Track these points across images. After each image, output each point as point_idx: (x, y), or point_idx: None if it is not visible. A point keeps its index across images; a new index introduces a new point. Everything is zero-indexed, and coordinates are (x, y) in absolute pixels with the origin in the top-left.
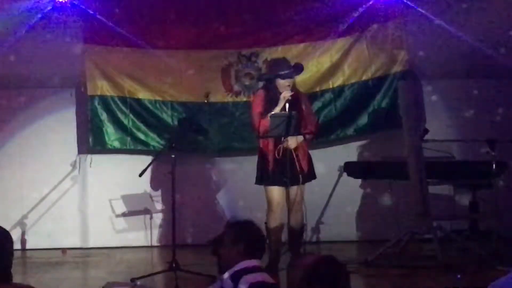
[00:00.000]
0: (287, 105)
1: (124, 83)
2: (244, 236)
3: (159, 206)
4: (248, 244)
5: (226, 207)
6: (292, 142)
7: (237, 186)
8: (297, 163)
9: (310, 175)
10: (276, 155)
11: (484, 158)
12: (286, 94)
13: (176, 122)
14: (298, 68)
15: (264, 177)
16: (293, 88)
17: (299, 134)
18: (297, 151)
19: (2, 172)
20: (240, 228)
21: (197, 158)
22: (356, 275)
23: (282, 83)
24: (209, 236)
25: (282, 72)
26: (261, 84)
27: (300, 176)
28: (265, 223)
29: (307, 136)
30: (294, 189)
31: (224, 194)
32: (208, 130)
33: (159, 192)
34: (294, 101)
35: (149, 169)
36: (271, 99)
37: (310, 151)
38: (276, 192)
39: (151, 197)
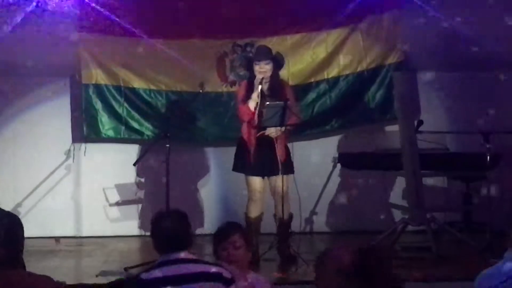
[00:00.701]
0: (262, 91)
1: (119, 72)
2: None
3: (152, 195)
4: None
5: (217, 197)
6: (276, 131)
7: (231, 176)
8: (276, 154)
9: (290, 167)
10: (254, 140)
11: (479, 150)
12: (258, 77)
13: (170, 111)
14: (262, 54)
15: (245, 167)
16: (276, 78)
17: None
18: (276, 141)
19: None
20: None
21: (191, 148)
22: None
23: (255, 68)
24: (203, 225)
25: (252, 56)
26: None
27: (280, 166)
28: (245, 212)
29: (289, 127)
30: (274, 180)
31: (218, 184)
32: (200, 119)
33: (153, 181)
34: (276, 90)
35: (143, 158)
36: (252, 87)
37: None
38: (257, 182)
39: (145, 186)
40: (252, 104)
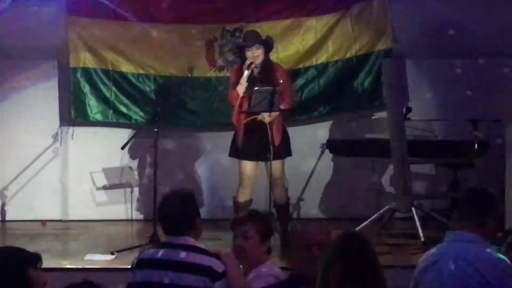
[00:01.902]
0: (253, 75)
1: (107, 56)
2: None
3: (140, 179)
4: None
5: (207, 181)
6: (266, 116)
7: (218, 160)
8: (270, 138)
9: (284, 151)
10: (244, 126)
11: (467, 138)
12: (246, 62)
13: (158, 96)
14: (252, 39)
15: (236, 151)
16: (266, 62)
17: (278, 110)
18: (271, 126)
19: None
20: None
21: (179, 132)
22: None
23: (248, 54)
24: None
25: (240, 41)
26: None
27: (272, 151)
28: (234, 197)
29: (284, 111)
30: (270, 165)
31: (206, 168)
32: (188, 104)
33: (140, 166)
34: (267, 74)
35: (131, 142)
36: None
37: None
38: (249, 166)
39: (132, 170)
40: (240, 89)
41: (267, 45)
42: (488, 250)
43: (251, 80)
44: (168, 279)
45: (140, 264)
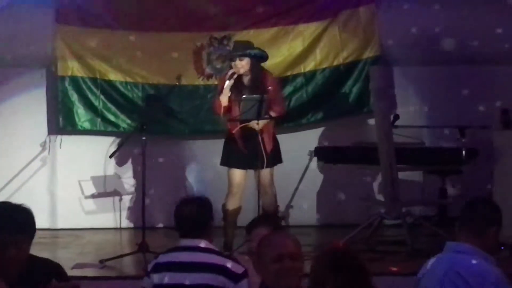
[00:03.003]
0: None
1: (95, 64)
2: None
3: (128, 188)
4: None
5: (196, 189)
6: (260, 123)
7: (206, 168)
8: (262, 146)
9: (275, 158)
10: (238, 134)
11: (455, 145)
12: (229, 72)
13: (146, 104)
14: (236, 50)
15: (227, 159)
16: (257, 71)
17: (267, 117)
18: (262, 134)
19: None
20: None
21: (168, 140)
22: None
23: (232, 65)
24: None
25: (224, 53)
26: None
27: (265, 159)
28: (223, 204)
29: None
30: (260, 173)
31: (194, 176)
32: (177, 112)
33: (129, 174)
34: (256, 83)
35: (119, 151)
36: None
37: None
38: (238, 174)
39: (121, 178)
40: (223, 98)
41: (255, 56)
42: (484, 262)
43: (239, 88)
44: (188, 280)
45: (158, 267)
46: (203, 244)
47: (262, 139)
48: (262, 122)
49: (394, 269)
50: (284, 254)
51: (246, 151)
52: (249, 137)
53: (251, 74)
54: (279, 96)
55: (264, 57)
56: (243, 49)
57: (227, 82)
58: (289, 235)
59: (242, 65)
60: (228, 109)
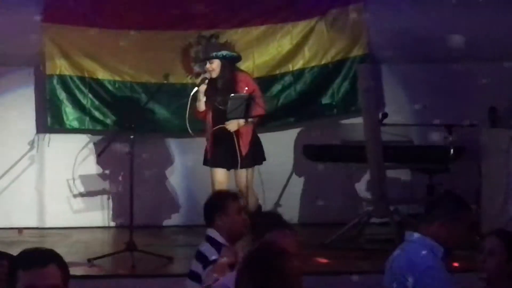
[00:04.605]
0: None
1: (83, 63)
2: None
3: (116, 186)
4: None
5: (183, 187)
6: (233, 125)
7: (194, 166)
8: (237, 147)
9: (253, 159)
10: (211, 134)
11: (442, 143)
12: (201, 76)
13: (134, 102)
14: (206, 53)
15: (207, 159)
16: (228, 73)
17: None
18: (239, 134)
19: None
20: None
21: (156, 139)
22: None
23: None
24: (170, 217)
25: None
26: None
27: (239, 160)
28: None
29: (253, 119)
30: (238, 173)
31: (181, 174)
32: (165, 111)
33: (117, 173)
34: (228, 85)
35: (107, 149)
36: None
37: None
38: (219, 174)
39: (109, 177)
40: (199, 105)
41: (224, 58)
42: (423, 252)
43: (212, 92)
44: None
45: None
46: (209, 232)
47: (238, 140)
48: (240, 123)
49: None
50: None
51: (218, 152)
52: (225, 138)
53: (222, 76)
54: (258, 95)
55: (235, 58)
56: (212, 51)
57: (196, 89)
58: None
59: (213, 68)
60: (205, 113)
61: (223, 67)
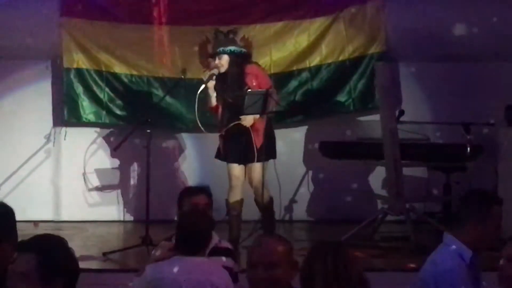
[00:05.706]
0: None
1: (101, 57)
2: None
3: (132, 181)
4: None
5: (198, 183)
6: (249, 120)
7: (211, 161)
8: (253, 141)
9: (266, 154)
10: (224, 132)
11: (459, 141)
12: (209, 72)
13: (151, 97)
14: (215, 48)
15: (222, 154)
16: (236, 68)
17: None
18: (253, 128)
19: None
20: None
21: (172, 133)
22: None
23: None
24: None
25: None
26: None
27: (255, 154)
28: (226, 199)
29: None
30: (250, 167)
31: (198, 170)
32: (181, 106)
33: (133, 167)
34: (235, 80)
35: (123, 144)
36: (219, 78)
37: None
38: (236, 168)
39: (125, 171)
40: (210, 100)
41: (233, 53)
42: (450, 252)
43: (222, 87)
44: None
45: None
46: None
47: (252, 134)
48: (255, 118)
49: (412, 265)
50: (256, 262)
51: (234, 147)
52: (239, 133)
53: (229, 72)
54: (261, 75)
55: (243, 54)
56: (220, 47)
57: (203, 86)
58: (274, 242)
59: (222, 63)
60: (217, 107)
61: (231, 62)
